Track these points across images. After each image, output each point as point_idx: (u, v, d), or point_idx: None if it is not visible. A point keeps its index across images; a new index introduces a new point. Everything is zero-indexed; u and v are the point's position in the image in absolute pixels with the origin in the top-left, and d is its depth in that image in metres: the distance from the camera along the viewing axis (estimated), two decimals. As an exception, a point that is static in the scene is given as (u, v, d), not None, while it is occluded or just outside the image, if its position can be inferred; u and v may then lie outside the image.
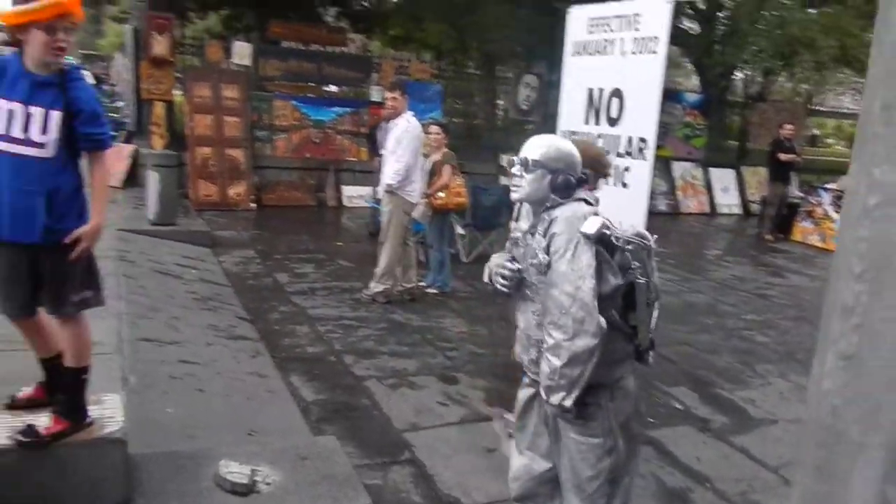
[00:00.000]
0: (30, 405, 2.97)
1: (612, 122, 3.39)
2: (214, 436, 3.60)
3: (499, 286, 2.47)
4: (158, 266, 6.62)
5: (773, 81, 19.75)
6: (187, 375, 4.27)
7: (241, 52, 11.42)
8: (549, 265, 2.25)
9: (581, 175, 2.37)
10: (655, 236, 2.39)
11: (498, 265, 2.48)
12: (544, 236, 2.29)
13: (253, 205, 10.57)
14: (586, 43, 3.54)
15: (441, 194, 6.55)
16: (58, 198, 2.68)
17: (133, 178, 10.13)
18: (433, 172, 6.46)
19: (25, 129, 2.62)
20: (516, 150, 2.45)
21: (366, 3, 14.60)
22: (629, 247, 2.29)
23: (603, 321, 2.20)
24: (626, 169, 3.31)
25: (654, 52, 3.16)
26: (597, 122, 3.48)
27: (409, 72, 12.47)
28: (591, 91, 3.50)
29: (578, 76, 3.62)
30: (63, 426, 2.82)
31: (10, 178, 2.64)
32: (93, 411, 2.96)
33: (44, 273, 2.75)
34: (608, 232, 2.26)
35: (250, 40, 12.39)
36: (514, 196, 2.43)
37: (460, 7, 12.08)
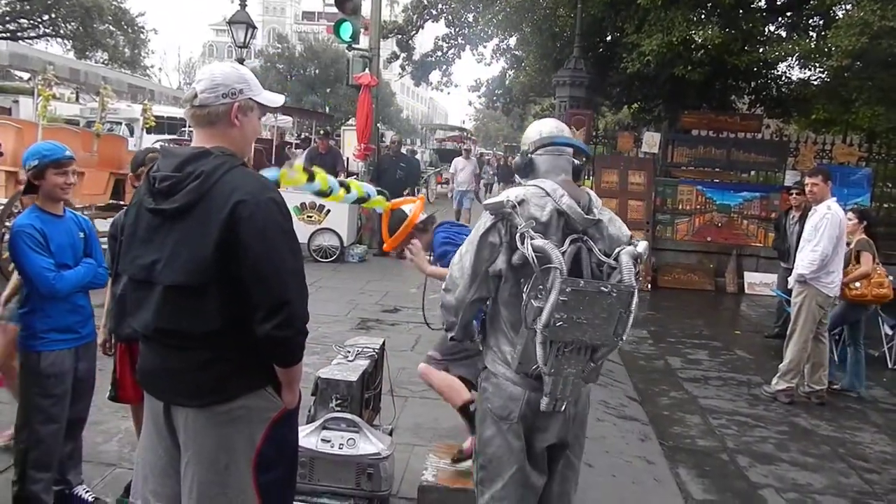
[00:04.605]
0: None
1: None
2: (601, 512, 3.71)
3: None
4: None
5: None
6: (578, 446, 4.48)
7: (651, 140, 11.84)
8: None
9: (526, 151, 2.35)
10: (561, 266, 2.06)
11: None
12: None
13: (648, 286, 10.70)
14: None
15: (857, 284, 5.83)
16: None
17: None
18: (848, 261, 5.86)
19: None
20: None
21: (785, 90, 13.73)
22: (521, 245, 2.07)
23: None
24: None
25: None
26: None
27: (832, 155, 11.41)
28: None
29: None
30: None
31: None
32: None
33: None
34: (509, 211, 2.12)
35: (659, 129, 12.74)
36: None
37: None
